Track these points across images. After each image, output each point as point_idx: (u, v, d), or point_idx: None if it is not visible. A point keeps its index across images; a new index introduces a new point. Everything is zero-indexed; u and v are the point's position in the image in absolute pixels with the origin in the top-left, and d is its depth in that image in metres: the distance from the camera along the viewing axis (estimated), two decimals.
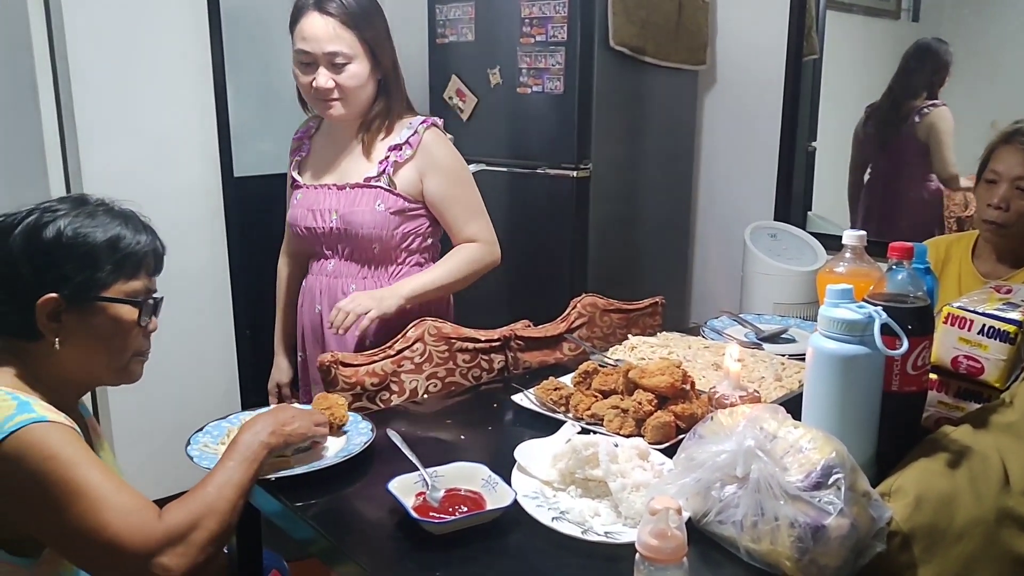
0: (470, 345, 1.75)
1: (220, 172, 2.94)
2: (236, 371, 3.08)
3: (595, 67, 2.77)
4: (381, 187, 1.85)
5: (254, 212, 3.20)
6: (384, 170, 1.85)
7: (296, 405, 1.40)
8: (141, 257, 1.24)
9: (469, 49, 3.03)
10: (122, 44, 2.66)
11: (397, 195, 1.85)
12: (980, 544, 1.07)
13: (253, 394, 3.07)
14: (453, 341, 1.74)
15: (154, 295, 1.28)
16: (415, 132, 1.88)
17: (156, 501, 1.15)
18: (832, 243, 2.89)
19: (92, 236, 1.20)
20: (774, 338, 1.87)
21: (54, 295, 1.17)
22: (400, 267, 1.90)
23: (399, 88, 1.90)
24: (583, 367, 1.54)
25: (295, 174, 1.97)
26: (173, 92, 2.80)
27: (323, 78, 1.77)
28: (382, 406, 1.63)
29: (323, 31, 1.75)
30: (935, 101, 2.85)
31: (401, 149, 1.86)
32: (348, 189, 1.87)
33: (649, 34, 2.92)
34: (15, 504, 1.09)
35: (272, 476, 1.26)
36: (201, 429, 1.42)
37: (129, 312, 1.23)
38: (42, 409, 1.12)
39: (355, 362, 1.63)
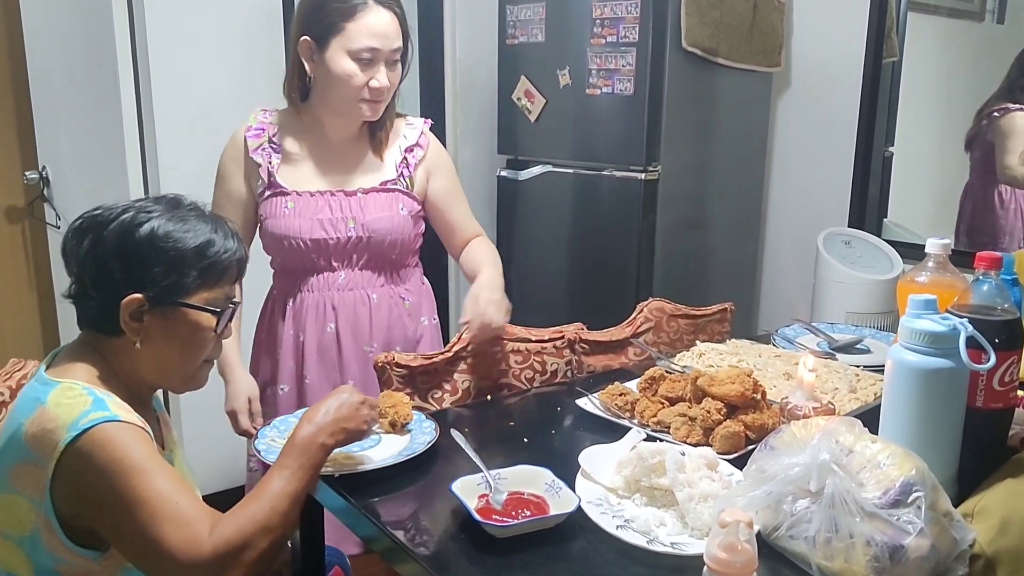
0: (522, 346, 1.74)
1: None
2: None
3: (666, 68, 2.73)
4: (399, 190, 1.81)
5: None
6: (402, 172, 1.82)
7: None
8: (227, 265, 1.25)
9: (539, 50, 3.02)
10: (201, 44, 2.72)
11: (413, 197, 1.82)
12: None
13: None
14: (506, 342, 1.73)
15: (233, 302, 1.29)
16: (422, 132, 1.86)
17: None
18: (909, 252, 2.80)
19: (183, 240, 1.21)
20: (848, 348, 1.81)
21: (139, 295, 1.19)
22: (408, 270, 1.89)
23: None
24: (649, 373, 1.52)
25: (278, 180, 1.77)
26: (249, 92, 2.85)
27: (384, 76, 1.69)
28: (436, 406, 1.63)
29: (392, 27, 1.69)
30: (1007, 105, 2.73)
31: (413, 151, 1.83)
32: (362, 194, 1.78)
33: (722, 35, 2.87)
34: (83, 501, 1.11)
35: (336, 474, 1.27)
36: (269, 423, 1.43)
37: (208, 320, 1.24)
38: (116, 407, 1.14)
39: (410, 363, 1.63)
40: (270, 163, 1.77)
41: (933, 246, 1.37)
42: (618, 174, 2.82)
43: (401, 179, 1.81)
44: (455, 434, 1.33)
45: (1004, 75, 2.73)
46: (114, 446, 1.09)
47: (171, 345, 1.23)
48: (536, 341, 1.74)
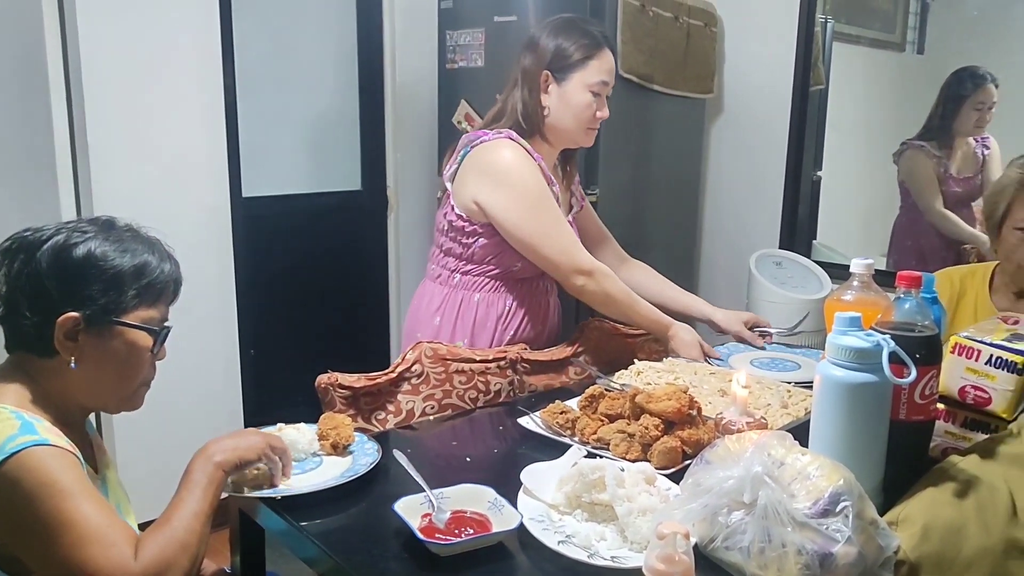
0: (466, 366, 1.75)
1: (229, 192, 2.95)
2: (240, 391, 3.08)
3: None
4: (574, 220, 2.05)
5: (262, 232, 3.23)
6: (580, 205, 2.11)
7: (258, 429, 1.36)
8: (163, 286, 1.25)
9: (478, 74, 3.06)
10: (134, 64, 2.69)
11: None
12: (987, 574, 1.07)
13: (257, 414, 3.07)
14: (449, 362, 1.74)
15: (167, 325, 1.29)
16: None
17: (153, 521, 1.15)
18: (837, 272, 2.90)
19: (120, 260, 1.20)
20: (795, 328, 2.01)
21: (75, 314, 1.17)
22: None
23: None
24: (589, 391, 1.54)
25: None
26: (184, 112, 2.82)
27: (606, 109, 1.93)
28: (379, 427, 1.64)
29: (614, 68, 1.93)
30: (913, 141, 2.86)
31: (578, 185, 2.13)
32: (570, 221, 1.99)
33: (657, 63, 2.95)
34: (7, 526, 1.09)
35: (279, 496, 1.26)
36: None
37: (144, 339, 1.24)
38: (45, 431, 1.12)
39: (354, 383, 1.63)
40: (555, 189, 1.93)
41: (858, 266, 1.43)
42: None
43: (579, 210, 2.12)
44: (397, 454, 1.34)
45: (927, 104, 2.86)
46: (42, 470, 1.08)
47: (106, 365, 1.22)
48: (480, 361, 1.76)
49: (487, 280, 1.91)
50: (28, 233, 1.21)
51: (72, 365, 1.19)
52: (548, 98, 1.90)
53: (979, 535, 1.09)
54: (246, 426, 1.66)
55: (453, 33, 3.12)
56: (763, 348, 2.02)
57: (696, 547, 1.08)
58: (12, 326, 1.21)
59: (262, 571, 1.44)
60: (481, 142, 1.88)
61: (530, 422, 1.54)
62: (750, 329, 2.04)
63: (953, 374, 1.33)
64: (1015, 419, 1.29)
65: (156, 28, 2.72)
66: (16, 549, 1.11)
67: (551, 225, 1.85)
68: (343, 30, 3.53)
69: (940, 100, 2.82)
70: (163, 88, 2.76)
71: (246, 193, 3.06)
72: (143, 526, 1.17)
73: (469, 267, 1.92)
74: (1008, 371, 1.29)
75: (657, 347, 2.02)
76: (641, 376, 1.76)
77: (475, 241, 1.88)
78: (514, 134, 1.89)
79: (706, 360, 1.88)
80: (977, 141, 2.80)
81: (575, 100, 1.89)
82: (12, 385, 1.19)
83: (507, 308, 1.92)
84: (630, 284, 1.96)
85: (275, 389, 3.15)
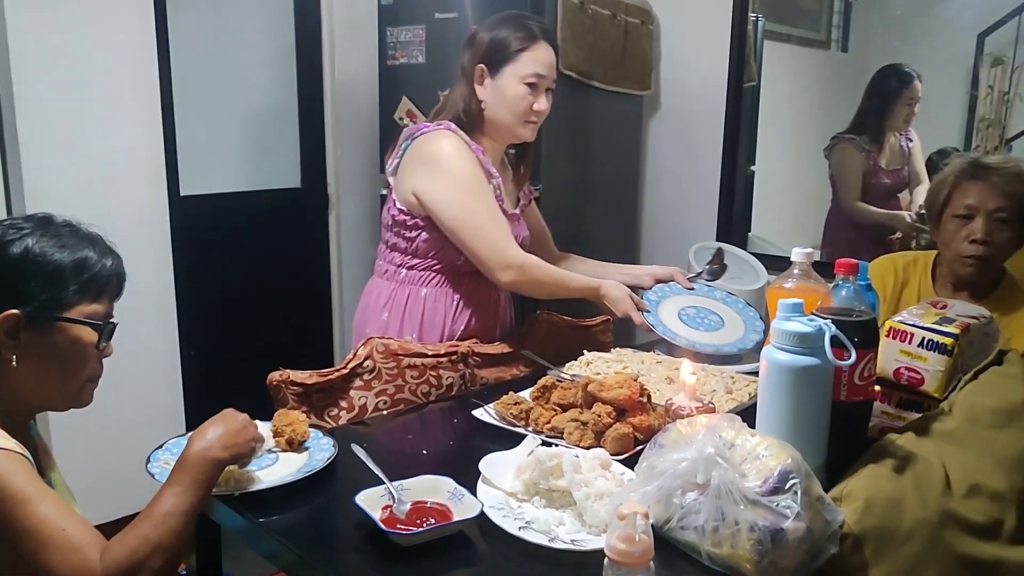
0: (418, 361, 1.77)
1: (167, 190, 2.90)
2: (181, 392, 3.03)
3: None
4: (521, 215, 2.06)
5: (201, 231, 3.18)
6: (524, 201, 2.10)
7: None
8: (105, 281, 1.23)
9: (420, 71, 3.06)
10: (66, 59, 2.63)
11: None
12: (925, 544, 1.13)
13: (197, 415, 3.02)
14: (401, 357, 1.75)
15: (111, 320, 1.27)
16: None
17: (102, 525, 1.13)
18: (772, 263, 2.99)
19: (60, 256, 1.19)
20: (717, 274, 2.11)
21: (15, 311, 1.15)
22: None
23: None
24: (542, 382, 1.57)
25: (502, 195, 1.96)
26: (119, 109, 2.77)
27: (545, 102, 1.93)
28: (331, 423, 1.64)
29: (552, 60, 1.93)
30: (844, 135, 2.97)
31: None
32: (511, 217, 1.99)
33: (596, 59, 3.00)
34: None
35: (236, 493, 1.26)
36: (161, 446, 1.40)
37: (89, 334, 1.22)
38: None
39: (306, 380, 1.62)
40: (496, 182, 1.94)
41: (798, 255, 1.49)
42: None
43: (525, 205, 2.11)
44: (356, 448, 1.35)
45: (851, 99, 2.96)
46: None
47: (51, 363, 1.21)
48: (431, 356, 1.77)
49: (433, 275, 1.92)
50: None
51: (13, 363, 1.17)
52: (484, 91, 1.91)
53: (917, 508, 1.15)
54: (187, 429, 1.62)
55: (394, 30, 3.11)
56: (692, 289, 2.07)
57: (653, 528, 1.11)
58: None
59: (219, 571, 1.43)
60: (421, 134, 1.90)
61: (484, 414, 1.56)
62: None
63: (888, 357, 1.40)
64: (946, 398, 1.36)
65: (89, 23, 2.66)
66: None
67: (483, 217, 1.84)
68: (281, 26, 3.49)
69: (870, 96, 2.92)
70: (97, 84, 2.70)
71: (184, 191, 3.01)
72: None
73: (414, 262, 1.92)
74: (939, 352, 1.36)
75: (604, 339, 2.06)
76: (591, 366, 1.79)
77: (418, 235, 1.89)
78: (453, 125, 1.90)
79: (640, 312, 1.92)
80: (901, 135, 2.92)
81: (508, 92, 1.89)
82: None
83: (454, 303, 1.93)
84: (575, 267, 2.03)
85: (217, 389, 3.10)
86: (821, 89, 3.22)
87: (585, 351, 1.89)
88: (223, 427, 1.22)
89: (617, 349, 1.93)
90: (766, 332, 1.58)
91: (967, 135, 2.77)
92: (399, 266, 1.94)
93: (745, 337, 1.96)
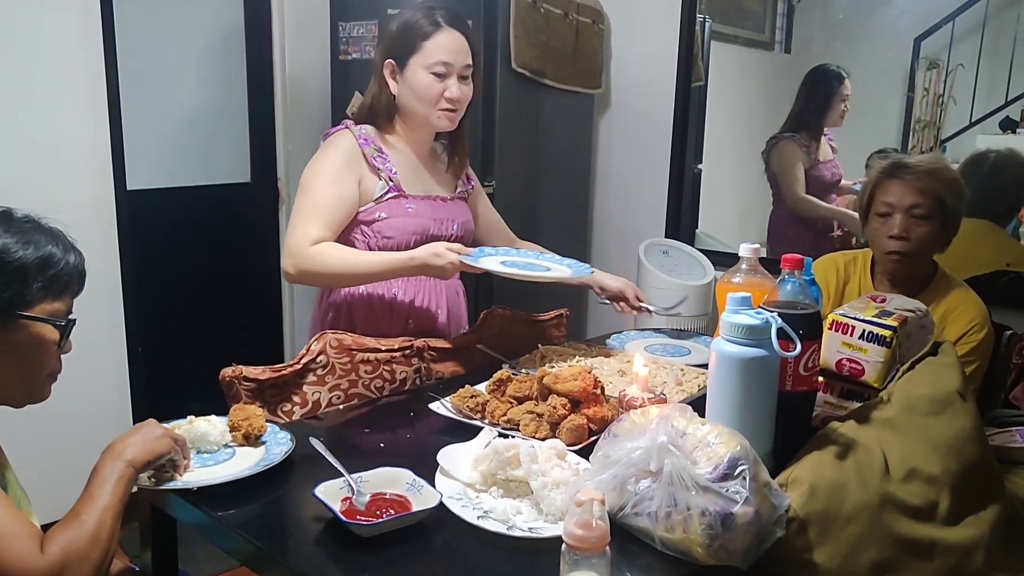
0: (372, 356, 1.77)
1: (113, 184, 2.85)
2: (128, 389, 2.98)
3: (498, 87, 2.85)
4: (465, 200, 2.08)
5: (149, 225, 3.13)
6: (467, 186, 2.09)
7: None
8: (68, 278, 1.22)
9: (372, 66, 3.05)
10: (9, 49, 2.57)
11: (469, 206, 2.10)
12: (866, 526, 1.18)
13: (147, 411, 2.97)
14: (355, 352, 1.75)
15: (71, 318, 1.26)
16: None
17: (48, 524, 1.13)
18: (718, 258, 3.06)
19: (24, 252, 1.17)
20: (673, 308, 2.12)
21: None
22: None
23: None
24: (497, 375, 1.60)
25: (401, 184, 1.93)
26: (64, 101, 2.71)
27: (456, 88, 1.89)
28: (285, 418, 1.64)
29: (462, 45, 1.90)
30: (783, 134, 3.05)
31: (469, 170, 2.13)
32: (450, 201, 2.01)
33: (548, 57, 3.03)
34: None
35: (195, 487, 1.26)
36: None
37: (51, 332, 1.22)
38: None
39: (259, 376, 1.62)
40: (389, 169, 1.92)
41: (745, 251, 1.54)
42: None
43: (467, 191, 2.10)
44: (314, 441, 1.35)
45: (791, 101, 3.04)
46: None
47: (11, 360, 1.20)
48: (385, 351, 1.78)
49: None
50: None
51: None
52: (396, 85, 1.92)
53: (858, 492, 1.20)
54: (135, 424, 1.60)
55: (346, 24, 3.10)
56: (638, 312, 2.07)
57: (608, 515, 1.15)
58: None
59: (174, 566, 1.43)
60: (328, 136, 1.95)
61: (441, 407, 1.58)
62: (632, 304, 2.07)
63: (831, 349, 1.45)
64: (884, 387, 1.42)
65: (34, 11, 2.60)
66: None
67: (299, 211, 1.84)
68: (230, 19, 3.45)
69: (806, 94, 3.00)
70: (40, 75, 2.64)
71: (131, 186, 2.96)
72: (44, 527, 1.15)
73: None
74: (879, 344, 1.42)
75: (558, 333, 2.10)
76: (545, 360, 1.82)
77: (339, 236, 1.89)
78: (350, 123, 1.94)
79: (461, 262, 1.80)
80: (826, 136, 3.02)
81: (415, 82, 1.89)
82: None
83: (394, 297, 1.94)
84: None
85: (165, 385, 3.07)
86: (766, 89, 3.30)
87: (539, 345, 1.92)
88: (135, 435, 1.24)
89: (570, 343, 1.96)
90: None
91: (904, 136, 2.87)
92: None
93: (576, 269, 1.93)
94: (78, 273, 1.25)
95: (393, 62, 1.91)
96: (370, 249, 1.90)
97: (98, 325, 2.84)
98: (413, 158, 1.98)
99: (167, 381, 3.10)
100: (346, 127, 1.95)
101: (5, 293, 1.16)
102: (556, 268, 1.93)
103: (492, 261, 1.86)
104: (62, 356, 1.29)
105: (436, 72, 1.88)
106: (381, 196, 1.91)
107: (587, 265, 1.99)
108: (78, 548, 1.09)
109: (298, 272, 1.81)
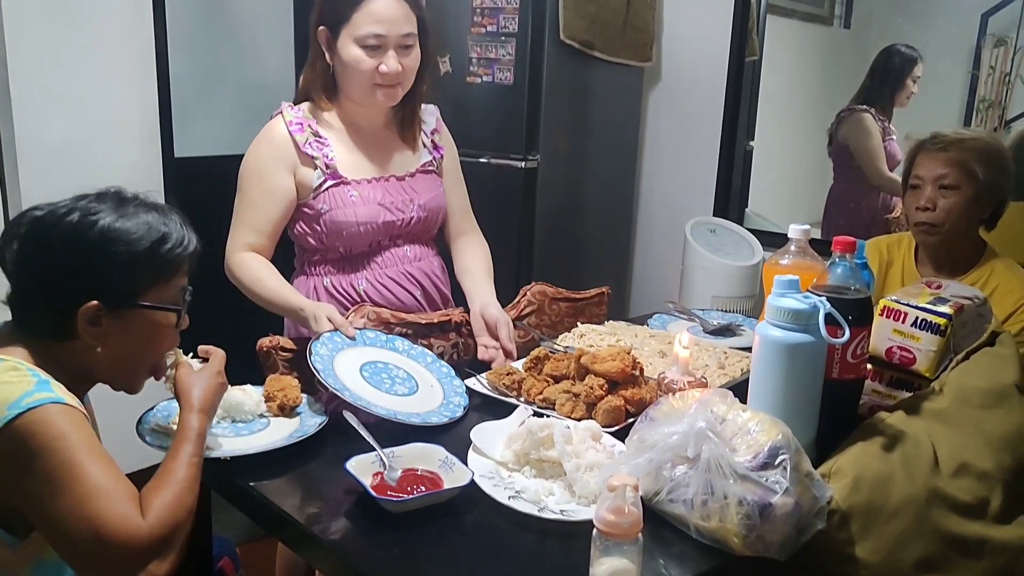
0: (409, 330, 1.76)
1: (161, 152, 2.88)
2: None
3: (545, 60, 2.80)
4: (434, 171, 1.91)
5: (196, 194, 3.15)
6: (434, 156, 1.91)
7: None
8: (180, 261, 1.23)
9: None
10: (61, 16, 2.59)
11: (441, 177, 1.94)
12: (912, 522, 1.14)
13: None
14: (393, 326, 1.74)
15: (187, 297, 1.26)
16: (436, 116, 1.95)
17: None
18: (768, 239, 2.98)
19: (137, 241, 1.17)
20: (723, 332, 1.93)
21: (95, 302, 1.15)
22: (432, 247, 1.96)
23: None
24: (534, 353, 1.57)
25: (339, 171, 1.78)
26: (113, 68, 2.73)
27: (393, 62, 1.70)
28: (321, 390, 1.63)
29: (398, 11, 1.70)
30: (857, 106, 2.95)
31: (436, 134, 1.94)
32: (411, 178, 1.86)
33: (598, 29, 2.97)
34: (16, 480, 1.07)
35: (227, 456, 1.26)
36: (151, 409, 1.40)
37: (167, 317, 1.23)
38: (60, 390, 1.11)
39: (295, 347, 1.62)
40: (325, 155, 1.77)
41: (795, 232, 1.49)
42: (495, 162, 2.87)
43: (434, 161, 1.91)
44: (347, 415, 1.34)
45: (852, 76, 2.94)
46: (56, 425, 1.07)
47: (131, 345, 1.22)
48: (424, 324, 1.77)
49: (327, 264, 1.84)
50: (39, 214, 1.18)
51: (98, 350, 1.18)
52: (331, 57, 1.75)
53: (905, 485, 1.16)
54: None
55: None
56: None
57: (641, 500, 1.12)
58: (25, 312, 1.19)
59: (209, 536, 1.44)
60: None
61: (476, 383, 1.56)
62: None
63: (881, 336, 1.40)
64: (937, 377, 1.37)
65: (85, 22, 2.62)
66: (22, 502, 1.08)
67: (235, 210, 1.78)
68: None
69: (878, 73, 2.89)
70: (91, 42, 2.67)
71: (179, 154, 2.98)
72: None
73: (306, 255, 1.87)
74: (931, 332, 1.36)
75: (598, 311, 2.06)
76: (584, 339, 1.79)
77: (290, 230, 1.84)
78: (286, 106, 1.79)
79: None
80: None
81: (345, 56, 1.70)
82: (18, 348, 1.16)
83: (359, 287, 1.84)
84: (455, 260, 1.95)
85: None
86: (824, 66, 3.20)
87: (579, 323, 1.89)
88: (201, 382, 1.25)
89: (611, 322, 1.93)
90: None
91: (967, 115, 2.76)
92: (302, 261, 1.89)
93: (447, 402, 1.54)
94: (190, 255, 1.25)
95: (326, 29, 1.73)
96: (322, 244, 1.80)
97: None
98: (364, 136, 1.83)
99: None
100: (280, 112, 1.79)
101: (119, 285, 1.17)
102: (423, 392, 1.56)
103: (349, 368, 1.54)
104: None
105: (368, 45, 1.68)
106: (319, 187, 1.77)
107: (461, 403, 1.53)
108: (176, 518, 1.09)
109: (229, 275, 1.78)
